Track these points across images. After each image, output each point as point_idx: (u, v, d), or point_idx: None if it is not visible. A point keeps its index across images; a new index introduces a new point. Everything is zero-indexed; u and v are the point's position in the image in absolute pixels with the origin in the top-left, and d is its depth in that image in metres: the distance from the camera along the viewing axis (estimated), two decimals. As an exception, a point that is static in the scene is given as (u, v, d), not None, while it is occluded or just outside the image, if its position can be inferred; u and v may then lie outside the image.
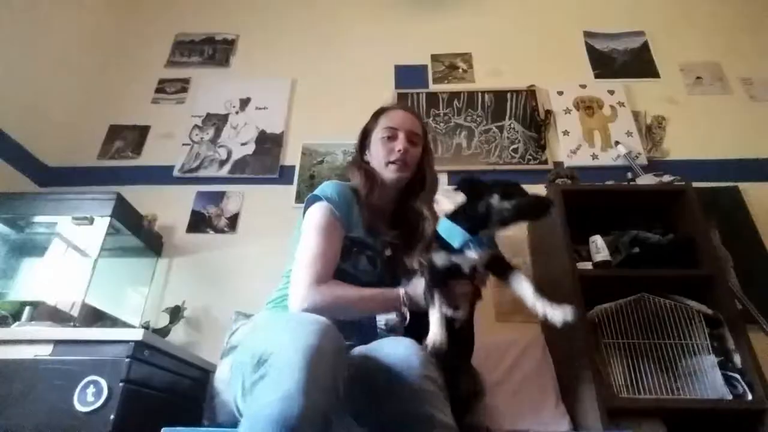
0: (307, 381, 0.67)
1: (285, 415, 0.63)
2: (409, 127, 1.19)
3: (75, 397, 1.10)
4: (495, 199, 0.94)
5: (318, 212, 1.07)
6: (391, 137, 1.17)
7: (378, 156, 1.18)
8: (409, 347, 0.88)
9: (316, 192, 1.11)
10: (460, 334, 1.00)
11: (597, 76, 2.34)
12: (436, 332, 0.89)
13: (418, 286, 1.00)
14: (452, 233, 0.97)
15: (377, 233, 1.14)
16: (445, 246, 0.97)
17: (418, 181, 1.21)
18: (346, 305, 0.98)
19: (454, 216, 1.00)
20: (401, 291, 1.00)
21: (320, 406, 0.67)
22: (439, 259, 0.97)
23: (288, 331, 0.75)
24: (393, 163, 1.16)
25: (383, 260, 1.14)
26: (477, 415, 1.06)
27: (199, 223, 2.02)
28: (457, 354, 1.02)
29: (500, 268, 0.99)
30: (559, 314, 0.88)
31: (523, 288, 0.95)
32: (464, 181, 0.98)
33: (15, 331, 1.29)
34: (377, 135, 1.20)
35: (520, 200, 0.93)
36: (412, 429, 0.78)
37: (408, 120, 1.21)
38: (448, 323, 0.93)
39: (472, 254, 0.95)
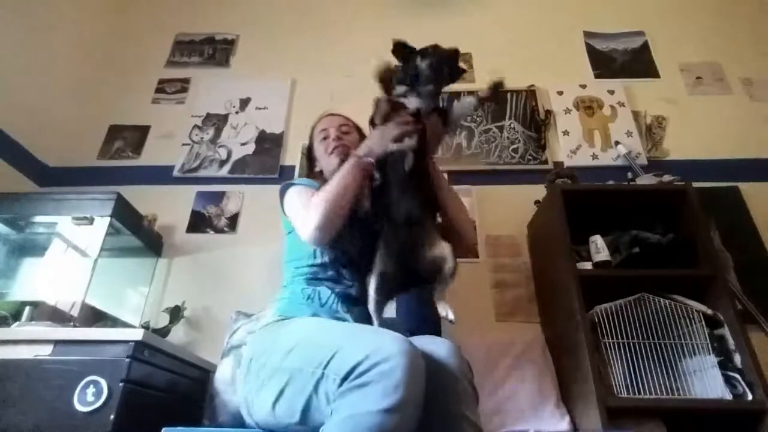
0: (409, 398, 0.71)
1: (387, 426, 0.68)
2: (337, 123, 1.34)
3: (75, 397, 1.10)
4: (417, 60, 1.07)
5: (293, 189, 1.19)
6: (326, 136, 1.32)
7: (322, 155, 1.31)
8: (449, 348, 0.91)
9: (287, 182, 1.25)
10: (414, 181, 1.05)
11: (597, 76, 2.34)
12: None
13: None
14: (396, 88, 1.10)
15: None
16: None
17: None
18: (335, 194, 1.02)
19: (399, 79, 1.12)
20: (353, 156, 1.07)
21: (412, 422, 0.72)
22: (384, 99, 1.08)
23: (389, 345, 0.77)
24: (333, 152, 1.28)
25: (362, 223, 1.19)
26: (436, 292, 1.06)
27: (199, 223, 2.02)
28: (417, 204, 1.05)
29: (444, 112, 1.09)
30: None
31: (460, 102, 1.07)
32: (394, 47, 1.11)
33: (15, 331, 1.29)
34: (316, 142, 1.34)
35: (432, 59, 1.06)
36: (447, 424, 0.82)
37: (335, 119, 1.36)
38: (397, 163, 1.03)
39: (414, 99, 1.06)
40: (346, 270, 1.12)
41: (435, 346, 0.91)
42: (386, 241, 1.06)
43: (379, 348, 0.76)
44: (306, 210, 1.06)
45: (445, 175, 1.30)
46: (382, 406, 0.69)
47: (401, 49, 1.10)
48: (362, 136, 1.35)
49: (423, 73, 1.06)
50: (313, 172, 1.36)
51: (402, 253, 1.04)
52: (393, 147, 1.03)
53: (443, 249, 1.04)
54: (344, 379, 0.75)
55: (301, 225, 1.06)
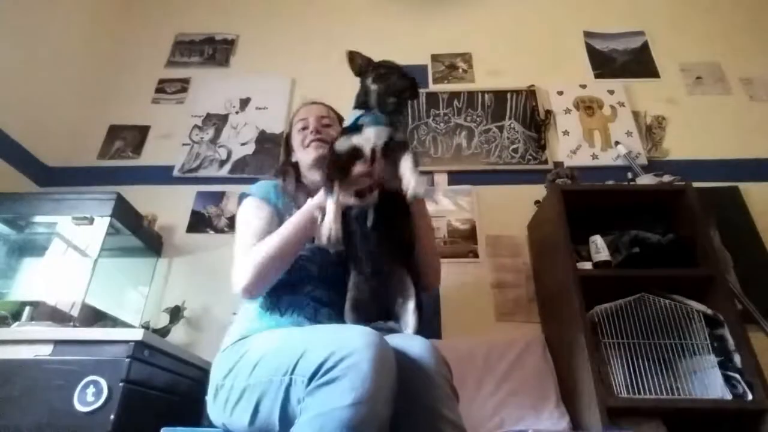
0: (377, 390, 0.70)
1: (354, 420, 0.67)
2: (317, 113, 1.27)
3: (75, 397, 1.10)
4: (369, 82, 0.99)
5: (245, 205, 1.14)
6: (304, 127, 1.25)
7: (298, 146, 1.24)
8: (424, 345, 0.89)
9: (244, 191, 1.18)
10: (383, 232, 0.98)
11: (597, 76, 2.34)
12: (329, 224, 0.89)
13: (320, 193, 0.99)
14: (350, 116, 1.02)
15: None
16: (346, 131, 1.00)
17: None
18: (272, 252, 0.97)
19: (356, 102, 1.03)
20: (310, 204, 0.99)
21: (383, 415, 0.71)
22: (340, 144, 0.98)
23: (353, 340, 0.75)
24: (309, 145, 1.21)
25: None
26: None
27: (199, 223, 2.02)
28: (383, 255, 1.00)
29: (395, 151, 0.95)
30: (415, 186, 0.89)
31: (403, 165, 0.93)
32: (350, 60, 1.02)
33: (15, 331, 1.29)
34: (295, 131, 1.27)
35: (385, 84, 0.97)
36: (425, 424, 0.79)
37: (315, 108, 1.30)
38: (361, 218, 0.97)
39: (369, 132, 0.96)
40: (313, 279, 1.08)
41: (409, 343, 0.88)
42: (357, 285, 1.02)
43: (343, 344, 0.74)
44: (243, 255, 0.99)
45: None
46: (350, 400, 0.68)
47: (356, 61, 1.02)
48: None
49: (373, 97, 0.98)
50: (288, 163, 1.29)
51: (372, 297, 1.01)
52: (352, 202, 0.96)
53: (409, 305, 1.00)
54: (311, 379, 0.73)
55: (233, 274, 0.99)
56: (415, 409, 0.81)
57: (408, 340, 0.90)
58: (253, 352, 0.89)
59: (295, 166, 1.26)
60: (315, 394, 0.72)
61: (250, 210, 1.12)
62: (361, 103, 1.01)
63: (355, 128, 0.98)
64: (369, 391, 0.69)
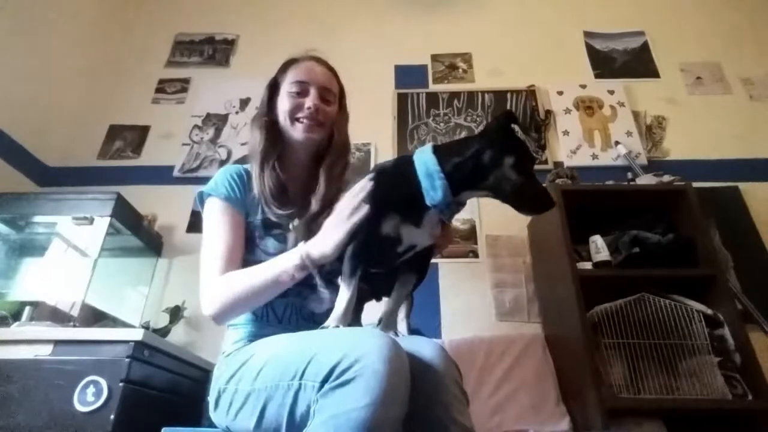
0: (392, 391, 0.69)
1: (370, 422, 0.65)
2: (323, 82, 1.07)
3: (75, 397, 1.10)
4: (508, 163, 0.76)
5: (208, 209, 1.03)
6: (301, 92, 1.05)
7: (285, 114, 1.05)
8: (435, 347, 0.88)
9: (204, 189, 1.05)
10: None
11: (597, 76, 2.34)
12: (336, 320, 0.83)
13: (320, 239, 0.87)
14: (433, 180, 0.80)
15: (285, 204, 1.02)
16: (409, 190, 0.77)
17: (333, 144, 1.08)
18: (244, 294, 0.90)
19: (449, 152, 0.77)
20: (300, 253, 0.87)
21: (397, 416, 0.70)
22: (388, 225, 0.78)
23: (366, 341, 0.74)
24: (300, 120, 1.03)
25: (300, 230, 0.99)
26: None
27: (199, 223, 1.98)
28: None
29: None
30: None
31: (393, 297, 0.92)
32: (505, 118, 0.77)
33: (15, 331, 1.29)
34: (285, 91, 1.06)
35: (527, 184, 0.77)
36: (436, 428, 0.79)
37: (321, 74, 1.09)
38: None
39: (432, 222, 0.79)
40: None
41: (419, 346, 0.87)
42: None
43: (356, 345, 0.73)
44: (211, 276, 0.93)
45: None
46: (366, 401, 0.67)
47: (505, 124, 0.80)
48: (342, 112, 1.12)
49: (500, 182, 0.78)
50: (268, 115, 1.08)
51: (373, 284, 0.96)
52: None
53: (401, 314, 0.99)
54: (324, 382, 0.72)
55: (201, 294, 0.93)
56: (426, 412, 0.80)
57: (418, 342, 0.89)
58: (257, 357, 0.88)
59: (272, 127, 1.07)
60: (329, 396, 0.71)
61: (214, 215, 1.01)
62: (471, 159, 0.77)
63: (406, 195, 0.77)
64: (384, 392, 0.68)
